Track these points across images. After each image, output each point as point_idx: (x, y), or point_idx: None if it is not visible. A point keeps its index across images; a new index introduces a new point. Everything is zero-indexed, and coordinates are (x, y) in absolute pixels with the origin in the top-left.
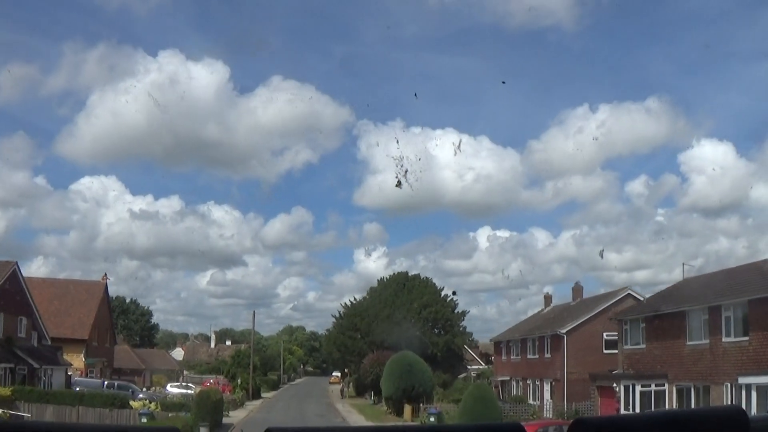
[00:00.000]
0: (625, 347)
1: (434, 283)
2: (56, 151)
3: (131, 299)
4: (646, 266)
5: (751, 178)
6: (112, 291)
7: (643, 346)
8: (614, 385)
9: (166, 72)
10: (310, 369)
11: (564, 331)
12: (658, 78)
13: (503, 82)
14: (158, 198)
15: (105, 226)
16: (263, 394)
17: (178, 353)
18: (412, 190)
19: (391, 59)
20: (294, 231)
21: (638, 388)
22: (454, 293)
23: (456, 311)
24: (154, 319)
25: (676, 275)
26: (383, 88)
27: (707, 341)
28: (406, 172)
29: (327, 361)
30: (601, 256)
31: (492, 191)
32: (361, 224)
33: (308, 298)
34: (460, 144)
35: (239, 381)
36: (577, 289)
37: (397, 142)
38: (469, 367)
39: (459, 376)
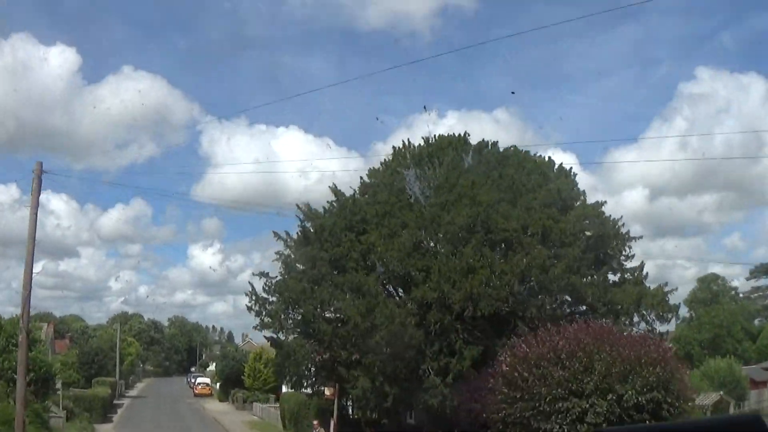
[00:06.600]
0: None
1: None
2: None
3: None
4: None
5: (591, 189)
6: None
7: None
8: None
9: (16, 55)
10: (150, 368)
11: None
12: (507, 91)
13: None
14: None
15: None
16: None
17: None
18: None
19: (239, 57)
20: (131, 223)
21: None
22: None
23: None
24: None
25: None
26: (231, 85)
27: None
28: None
29: (170, 359)
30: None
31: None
32: (199, 219)
33: (140, 292)
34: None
35: None
36: None
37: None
38: None
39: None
